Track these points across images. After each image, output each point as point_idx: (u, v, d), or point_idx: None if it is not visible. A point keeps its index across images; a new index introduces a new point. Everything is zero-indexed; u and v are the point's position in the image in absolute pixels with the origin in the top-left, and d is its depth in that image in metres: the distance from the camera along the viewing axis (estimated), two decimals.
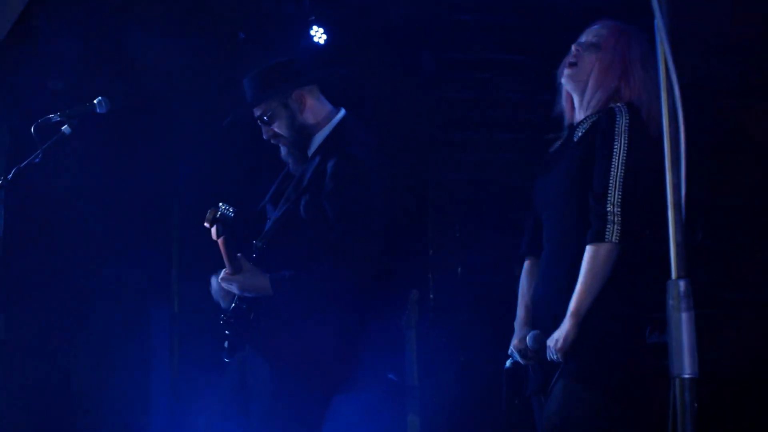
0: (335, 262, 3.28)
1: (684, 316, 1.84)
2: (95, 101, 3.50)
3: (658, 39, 1.91)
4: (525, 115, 3.22)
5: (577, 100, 3.12)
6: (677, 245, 1.85)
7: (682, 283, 1.85)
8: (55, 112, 3.47)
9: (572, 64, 3.09)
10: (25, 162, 3.44)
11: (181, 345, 5.58)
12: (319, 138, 3.53)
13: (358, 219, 3.32)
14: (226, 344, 3.50)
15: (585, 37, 3.12)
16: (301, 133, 3.52)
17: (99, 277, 5.28)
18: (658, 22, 1.91)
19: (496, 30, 5.80)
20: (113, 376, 5.34)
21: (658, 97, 2.95)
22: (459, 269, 5.61)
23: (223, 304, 3.56)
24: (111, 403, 5.28)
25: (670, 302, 1.87)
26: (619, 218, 2.84)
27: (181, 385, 5.55)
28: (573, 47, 3.13)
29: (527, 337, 3.02)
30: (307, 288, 3.31)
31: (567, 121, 3.18)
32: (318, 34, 5.50)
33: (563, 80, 3.12)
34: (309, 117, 3.53)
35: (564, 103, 3.19)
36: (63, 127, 3.47)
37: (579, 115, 3.11)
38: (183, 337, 5.57)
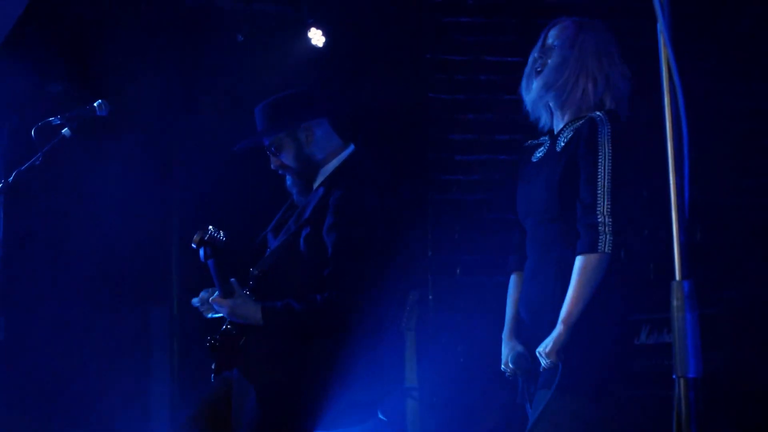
0: (329, 296, 3.25)
1: (688, 316, 1.86)
2: (95, 104, 3.50)
3: (660, 41, 1.92)
4: (523, 117, 3.22)
5: (551, 104, 3.12)
6: (681, 246, 1.87)
7: (686, 284, 1.87)
8: (54, 115, 3.47)
9: (538, 72, 3.09)
10: (26, 165, 3.44)
11: (180, 347, 5.58)
12: (325, 171, 3.50)
13: (355, 256, 3.29)
14: (213, 366, 3.48)
15: (547, 41, 3.12)
16: (308, 166, 3.49)
17: (99, 279, 5.28)
18: (661, 25, 1.92)
19: (494, 32, 5.81)
20: (112, 378, 5.34)
21: (622, 83, 3.00)
22: (458, 270, 5.62)
23: (205, 314, 3.56)
24: (110, 404, 5.29)
25: (675, 303, 1.88)
26: (611, 228, 2.85)
27: (180, 387, 5.56)
28: (536, 54, 3.12)
29: (509, 358, 3.06)
30: (298, 319, 3.28)
31: (543, 125, 3.17)
32: (316, 37, 5.51)
33: (537, 95, 3.09)
34: (316, 150, 3.50)
35: (540, 108, 3.17)
36: (63, 130, 3.46)
37: (558, 122, 3.11)
38: (182, 339, 5.57)
